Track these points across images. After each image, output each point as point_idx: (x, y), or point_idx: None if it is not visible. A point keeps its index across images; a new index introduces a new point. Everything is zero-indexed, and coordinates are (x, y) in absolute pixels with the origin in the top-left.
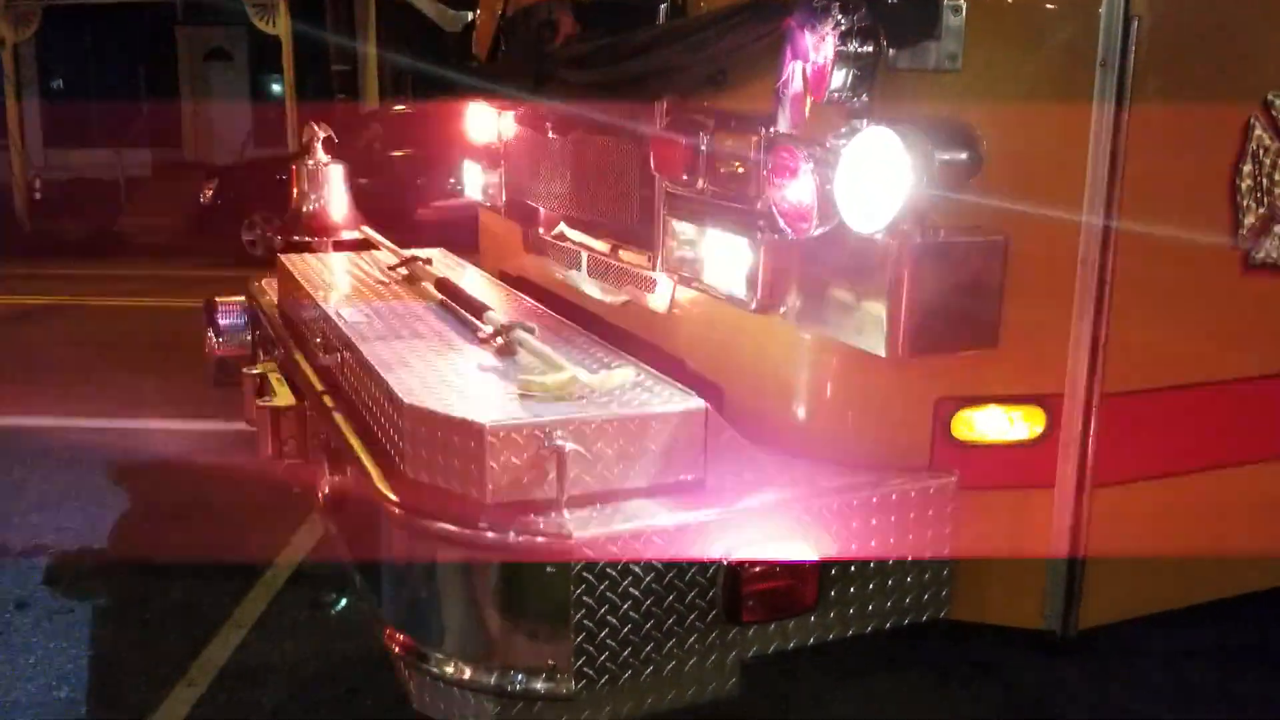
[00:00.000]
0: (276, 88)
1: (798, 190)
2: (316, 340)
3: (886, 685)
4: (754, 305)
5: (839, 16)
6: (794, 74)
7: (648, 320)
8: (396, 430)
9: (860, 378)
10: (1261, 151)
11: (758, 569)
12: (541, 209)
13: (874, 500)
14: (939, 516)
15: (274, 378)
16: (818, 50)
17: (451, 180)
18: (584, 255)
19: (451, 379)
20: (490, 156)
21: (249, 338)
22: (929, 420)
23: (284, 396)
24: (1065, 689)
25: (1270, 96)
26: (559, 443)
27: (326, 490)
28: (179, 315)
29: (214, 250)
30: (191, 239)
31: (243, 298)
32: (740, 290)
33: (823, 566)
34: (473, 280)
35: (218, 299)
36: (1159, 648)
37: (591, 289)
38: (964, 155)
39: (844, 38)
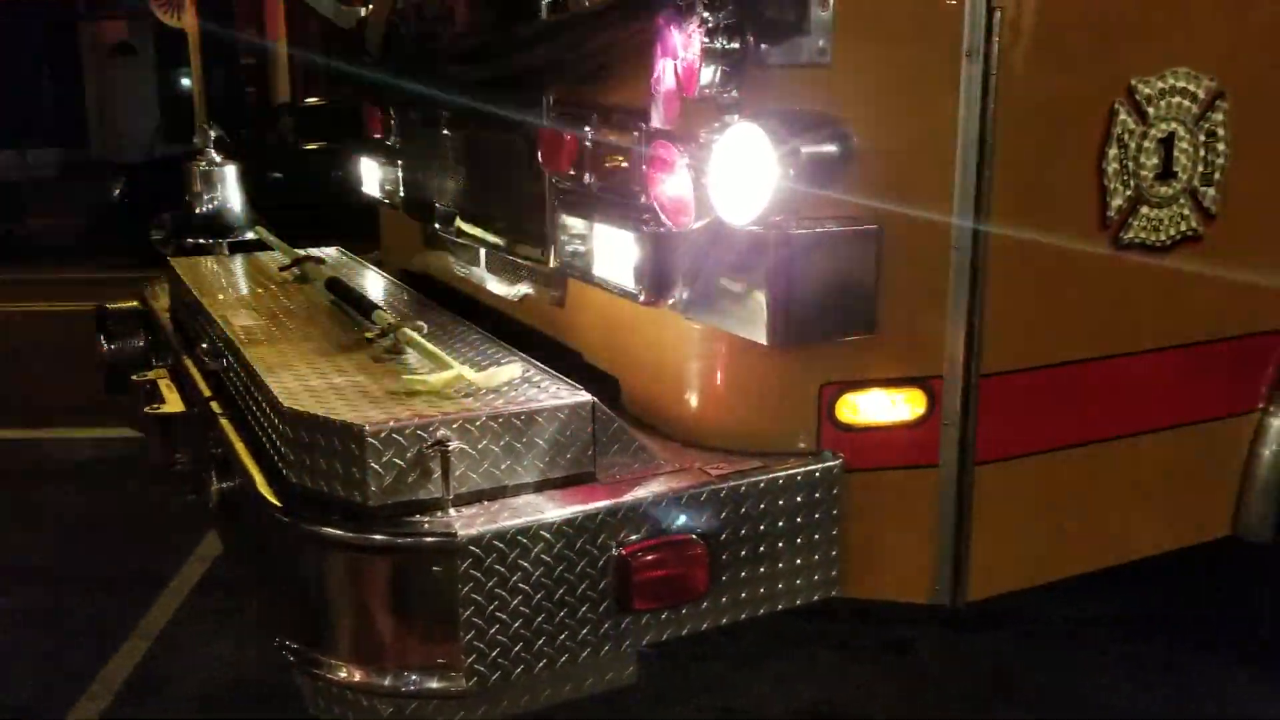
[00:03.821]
0: (185, 82)
1: (675, 185)
2: (204, 345)
3: (794, 666)
4: (642, 297)
5: (705, 13)
6: (666, 70)
7: (545, 314)
8: (279, 435)
9: (747, 366)
10: (1126, 136)
11: (648, 558)
12: (438, 205)
13: (762, 485)
14: (826, 498)
15: (164, 384)
16: (687, 47)
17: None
18: (481, 250)
19: (336, 381)
20: (386, 152)
21: (141, 344)
22: (814, 405)
23: (174, 403)
24: (969, 662)
25: (1133, 82)
26: (443, 441)
27: (215, 498)
28: (85, 319)
29: (124, 250)
30: (100, 239)
31: (135, 303)
32: (629, 283)
33: (713, 553)
34: (366, 279)
35: (109, 305)
36: (1060, 616)
37: (490, 284)
38: (834, 148)
39: (711, 34)
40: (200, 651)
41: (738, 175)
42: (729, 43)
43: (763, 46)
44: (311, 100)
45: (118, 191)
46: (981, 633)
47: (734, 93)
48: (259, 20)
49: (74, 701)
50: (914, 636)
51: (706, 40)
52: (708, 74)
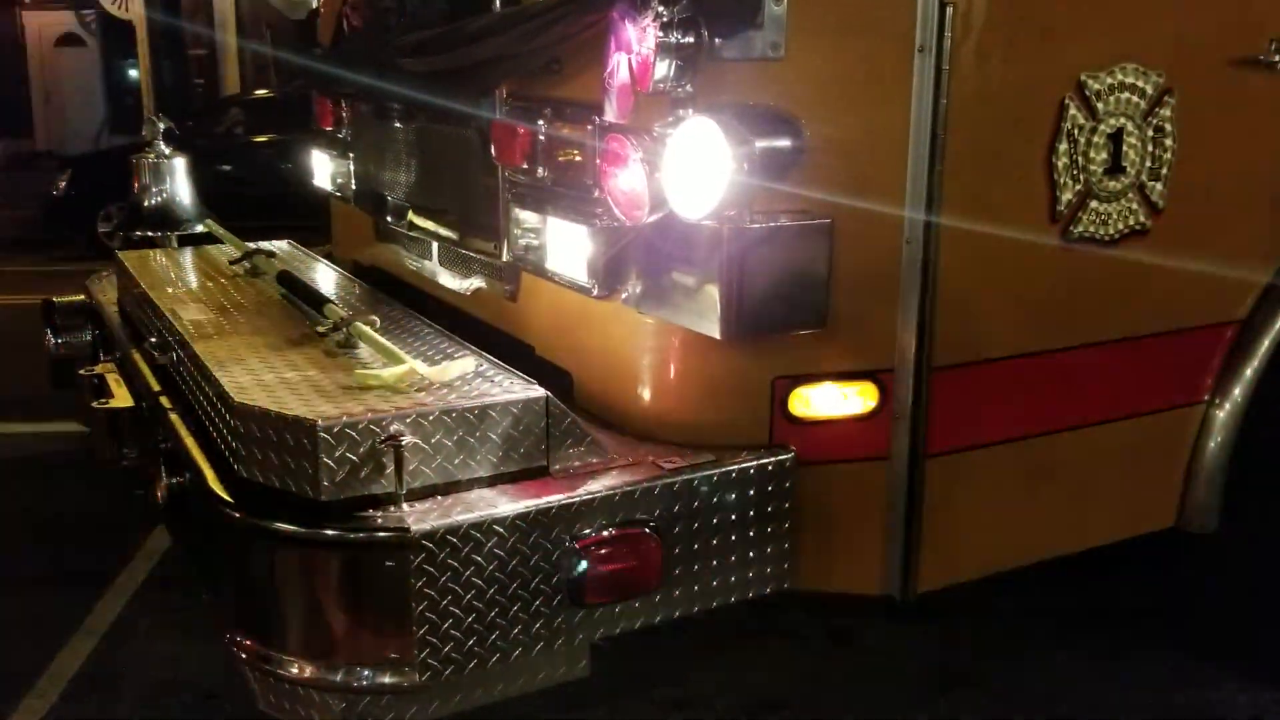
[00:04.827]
0: (133, 74)
1: (629, 179)
2: (153, 339)
3: (746, 657)
4: (596, 291)
5: (660, 7)
6: (619, 65)
7: (498, 308)
8: (229, 429)
9: (700, 359)
10: (1076, 130)
11: (601, 551)
12: (390, 198)
13: (714, 478)
14: (779, 491)
15: (112, 378)
16: (641, 41)
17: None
18: (433, 244)
19: (287, 375)
20: (337, 145)
21: (88, 337)
22: (767, 398)
23: (122, 398)
24: (916, 652)
25: (1083, 77)
26: (395, 436)
27: (164, 493)
28: (31, 313)
29: (70, 243)
30: (45, 232)
31: (82, 296)
32: (582, 277)
33: (666, 546)
34: (318, 272)
35: (56, 298)
36: (1003, 608)
37: (443, 277)
38: (787, 142)
39: (665, 28)
40: (149, 648)
41: (691, 169)
42: (683, 37)
43: (717, 41)
44: (261, 92)
45: (63, 184)
46: (930, 623)
47: (688, 87)
48: (208, 12)
49: (20, 698)
50: (863, 627)
51: (661, 34)
52: (662, 68)
